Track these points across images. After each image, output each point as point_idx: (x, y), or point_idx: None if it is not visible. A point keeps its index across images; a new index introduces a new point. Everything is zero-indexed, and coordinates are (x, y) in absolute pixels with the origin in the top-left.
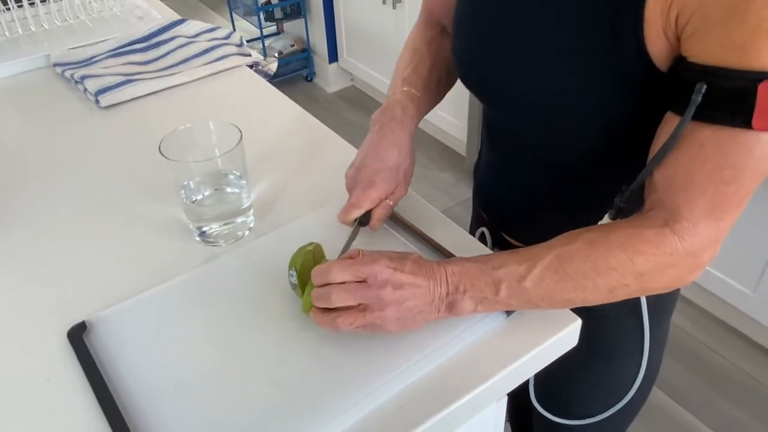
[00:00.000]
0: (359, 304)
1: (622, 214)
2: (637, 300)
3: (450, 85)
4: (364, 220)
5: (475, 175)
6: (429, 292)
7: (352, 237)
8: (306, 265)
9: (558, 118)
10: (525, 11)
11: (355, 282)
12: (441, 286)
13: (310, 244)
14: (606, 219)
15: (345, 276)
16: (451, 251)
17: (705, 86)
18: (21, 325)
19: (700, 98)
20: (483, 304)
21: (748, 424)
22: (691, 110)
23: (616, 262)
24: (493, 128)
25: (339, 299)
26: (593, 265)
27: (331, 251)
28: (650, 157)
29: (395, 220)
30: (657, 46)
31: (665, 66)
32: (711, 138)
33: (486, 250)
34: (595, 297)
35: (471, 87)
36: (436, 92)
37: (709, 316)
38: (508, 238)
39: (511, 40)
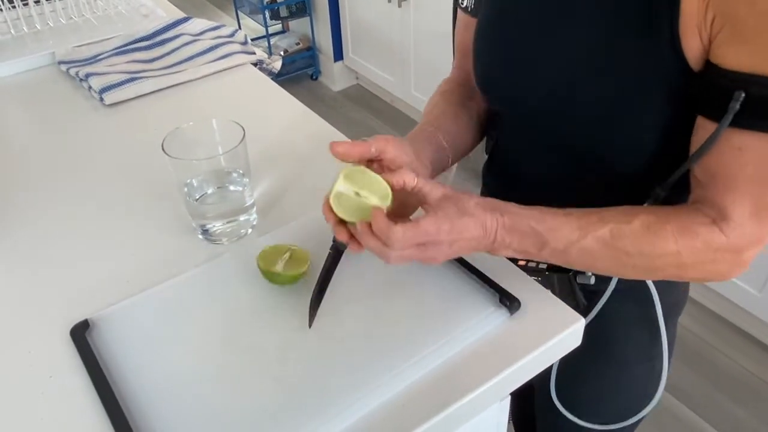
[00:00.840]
0: None
1: (660, 202)
2: (651, 306)
3: (456, 160)
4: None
5: (484, 175)
6: (479, 242)
7: (328, 267)
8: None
9: (588, 121)
10: (552, 21)
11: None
12: (489, 237)
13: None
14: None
15: (405, 247)
16: None
17: (743, 94)
18: (24, 323)
19: (738, 106)
20: (523, 254)
21: (753, 424)
22: (728, 117)
23: (664, 250)
24: (511, 129)
25: (397, 263)
26: (641, 248)
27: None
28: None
29: None
30: (691, 44)
31: (697, 66)
32: (749, 143)
33: None
34: (631, 274)
35: (495, 100)
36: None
37: (715, 316)
38: None
39: (539, 49)
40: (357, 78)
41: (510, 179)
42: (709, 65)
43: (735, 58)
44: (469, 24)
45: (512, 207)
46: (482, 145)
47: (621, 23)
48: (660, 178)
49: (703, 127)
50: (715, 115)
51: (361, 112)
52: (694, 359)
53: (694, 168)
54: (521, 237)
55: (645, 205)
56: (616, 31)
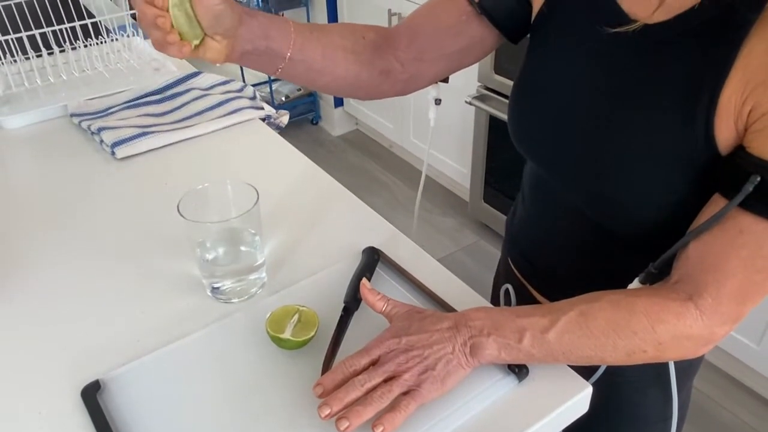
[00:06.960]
0: (384, 381)
1: (651, 279)
2: (664, 367)
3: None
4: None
5: (508, 228)
6: (453, 336)
7: (339, 329)
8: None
9: (617, 196)
10: (594, 93)
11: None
12: (462, 331)
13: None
14: (635, 283)
15: (355, 362)
16: (454, 306)
17: (759, 179)
18: (34, 384)
19: (751, 188)
20: (506, 350)
21: None
22: (740, 197)
23: (638, 327)
24: (540, 188)
25: (361, 384)
26: (615, 326)
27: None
28: (690, 230)
29: (399, 272)
30: (724, 134)
31: (726, 152)
32: (752, 227)
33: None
34: (614, 358)
35: (529, 156)
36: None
37: (714, 368)
38: (536, 294)
39: (579, 122)
40: (356, 123)
41: (536, 233)
42: (737, 148)
43: (760, 145)
44: (460, 5)
45: (476, 307)
46: (481, 191)
47: (664, 113)
48: (656, 254)
49: (716, 203)
50: (730, 194)
51: (361, 157)
52: (694, 412)
53: (690, 243)
54: (498, 324)
55: (636, 280)
56: (658, 119)
